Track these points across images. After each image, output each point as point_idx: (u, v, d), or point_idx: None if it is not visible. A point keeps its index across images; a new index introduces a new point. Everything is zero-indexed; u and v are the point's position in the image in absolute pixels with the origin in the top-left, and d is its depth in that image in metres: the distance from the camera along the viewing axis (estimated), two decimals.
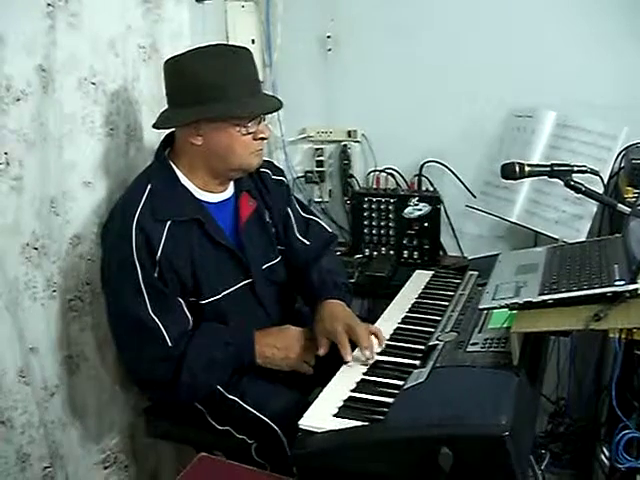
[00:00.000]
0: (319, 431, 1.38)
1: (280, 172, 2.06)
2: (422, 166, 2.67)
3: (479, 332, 1.60)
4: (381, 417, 1.37)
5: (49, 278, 1.74)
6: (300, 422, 1.40)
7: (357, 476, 1.35)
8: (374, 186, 2.75)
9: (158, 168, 1.79)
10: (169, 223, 1.70)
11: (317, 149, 2.85)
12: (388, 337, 1.76)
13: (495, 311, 1.60)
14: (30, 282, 1.69)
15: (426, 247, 2.61)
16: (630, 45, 2.30)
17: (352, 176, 2.80)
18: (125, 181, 1.91)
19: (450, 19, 2.50)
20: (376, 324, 1.81)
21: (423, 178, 2.67)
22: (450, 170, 2.63)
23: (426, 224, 2.58)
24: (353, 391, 1.52)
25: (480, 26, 2.46)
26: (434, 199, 2.57)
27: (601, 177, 2.09)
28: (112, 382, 1.99)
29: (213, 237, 1.76)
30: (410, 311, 1.91)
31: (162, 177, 1.76)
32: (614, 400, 1.63)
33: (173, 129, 1.80)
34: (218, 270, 1.78)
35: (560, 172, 1.96)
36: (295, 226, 2.04)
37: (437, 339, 1.64)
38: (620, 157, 2.25)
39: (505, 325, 1.53)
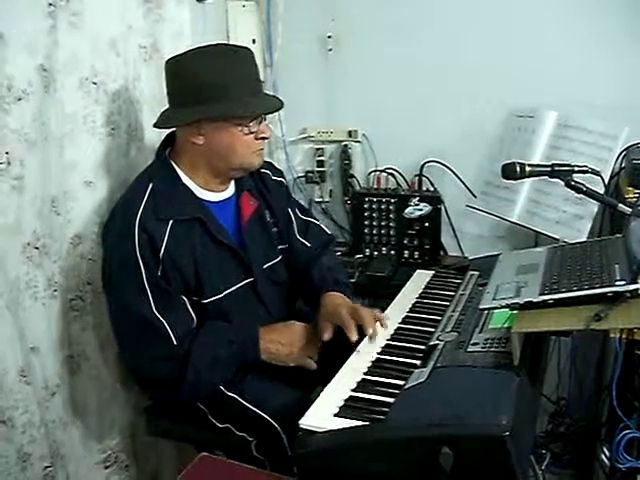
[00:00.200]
0: (320, 431, 1.37)
1: (280, 173, 2.07)
2: (423, 166, 2.67)
3: (480, 332, 1.60)
4: (382, 417, 1.37)
5: (50, 278, 1.74)
6: (301, 421, 1.40)
7: (358, 476, 1.35)
8: (375, 186, 2.75)
9: (159, 167, 1.79)
10: (171, 222, 1.70)
11: (318, 149, 2.85)
12: (389, 337, 1.77)
13: (496, 311, 1.60)
14: (31, 281, 1.69)
15: (427, 247, 2.61)
16: (630, 45, 2.30)
17: (353, 176, 2.81)
18: (126, 181, 1.91)
19: (451, 19, 2.51)
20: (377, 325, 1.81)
21: (424, 178, 2.68)
22: (451, 170, 2.63)
23: (427, 224, 2.58)
24: (354, 391, 1.51)
25: (480, 26, 2.46)
26: (435, 199, 2.57)
27: (602, 177, 2.09)
28: (113, 381, 1.99)
29: (215, 236, 1.77)
30: (411, 311, 1.91)
31: (163, 176, 1.77)
32: (615, 400, 1.63)
33: (174, 129, 1.80)
34: (220, 269, 1.79)
35: (561, 172, 1.96)
36: (296, 227, 2.06)
37: (438, 339, 1.64)
38: (621, 157, 2.25)
39: (506, 325, 1.53)
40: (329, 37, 2.71)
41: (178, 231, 1.71)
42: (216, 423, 1.77)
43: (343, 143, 2.80)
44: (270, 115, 1.88)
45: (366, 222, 2.66)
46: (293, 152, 2.90)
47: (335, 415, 1.42)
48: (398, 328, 1.81)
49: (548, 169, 1.98)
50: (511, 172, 1.99)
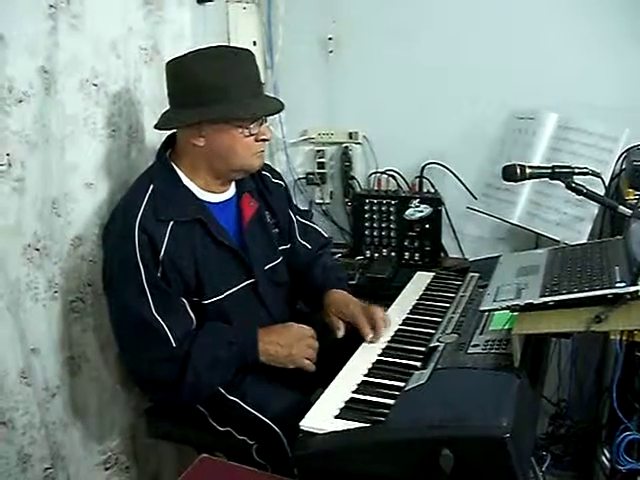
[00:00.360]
0: (320, 432, 1.37)
1: (279, 176, 2.09)
2: (423, 168, 2.67)
3: (480, 334, 1.60)
4: (382, 418, 1.37)
5: (50, 279, 1.74)
6: (301, 423, 1.40)
7: (358, 477, 1.35)
8: (375, 188, 2.75)
9: (160, 169, 1.80)
10: (172, 223, 1.71)
11: (318, 151, 2.85)
12: (389, 338, 1.77)
13: (496, 313, 1.60)
14: (32, 283, 1.69)
15: (427, 249, 2.61)
16: (631, 47, 2.30)
17: (353, 178, 2.81)
18: (127, 182, 1.92)
19: (451, 21, 2.51)
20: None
21: (424, 180, 2.68)
22: (451, 172, 2.63)
23: (427, 226, 2.58)
24: (354, 392, 1.52)
25: (481, 28, 2.46)
26: (435, 201, 2.57)
27: (602, 179, 2.09)
28: (113, 383, 1.99)
29: (216, 237, 1.77)
30: (411, 312, 1.91)
31: (164, 178, 1.77)
32: (615, 402, 1.63)
33: (175, 130, 1.81)
34: (221, 270, 1.79)
35: (561, 174, 1.96)
36: (297, 229, 2.08)
37: (438, 341, 1.64)
38: (621, 159, 2.25)
39: (506, 327, 1.53)
40: (330, 39, 2.71)
41: (178, 232, 1.71)
42: (217, 426, 1.77)
43: (344, 145, 2.80)
44: (271, 117, 1.89)
45: (367, 224, 2.66)
46: (294, 154, 2.90)
47: (336, 417, 1.42)
48: (398, 330, 1.82)
49: (549, 171, 1.98)
50: (511, 174, 1.99)
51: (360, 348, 1.73)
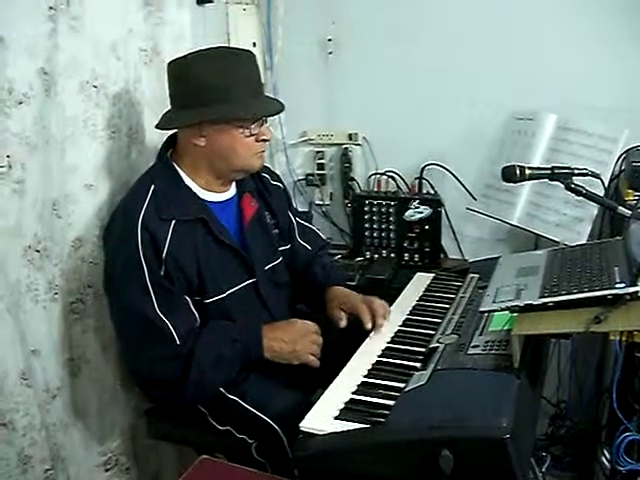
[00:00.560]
0: (320, 433, 1.38)
1: (278, 178, 2.11)
2: (423, 169, 2.67)
3: (480, 335, 1.60)
4: (382, 419, 1.37)
5: (51, 281, 1.74)
6: (301, 424, 1.40)
7: (358, 478, 1.35)
8: (375, 189, 2.75)
9: (161, 169, 1.81)
10: (174, 222, 1.71)
11: (318, 152, 2.85)
12: (389, 339, 1.77)
13: (496, 314, 1.60)
14: (32, 284, 1.69)
15: (427, 250, 2.61)
16: (631, 47, 2.30)
17: (353, 179, 2.81)
18: (127, 183, 1.92)
19: (450, 22, 2.51)
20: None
21: (424, 181, 2.68)
22: (451, 173, 2.63)
23: (427, 227, 2.59)
24: (354, 393, 1.52)
25: (480, 29, 2.46)
26: (435, 202, 2.58)
27: (602, 180, 2.10)
28: (113, 384, 1.99)
29: (217, 236, 1.78)
30: (411, 313, 1.92)
31: (165, 177, 1.78)
32: (615, 403, 1.63)
33: (175, 130, 1.81)
34: (222, 269, 1.79)
35: (561, 175, 1.96)
36: (296, 230, 2.10)
37: (438, 342, 1.64)
38: (621, 160, 2.25)
39: (506, 328, 1.53)
40: (329, 40, 2.71)
41: (180, 231, 1.72)
42: (216, 425, 1.77)
43: (343, 146, 2.80)
44: (270, 118, 1.89)
45: (366, 225, 2.67)
46: (293, 155, 2.90)
47: (336, 418, 1.42)
48: (398, 331, 1.82)
49: (548, 172, 1.98)
50: (511, 175, 1.99)
51: (360, 349, 1.73)
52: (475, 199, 2.54)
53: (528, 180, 2.03)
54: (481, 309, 1.58)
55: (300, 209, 2.82)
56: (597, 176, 2.02)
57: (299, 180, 2.91)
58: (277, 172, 2.18)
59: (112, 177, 1.92)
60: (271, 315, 1.90)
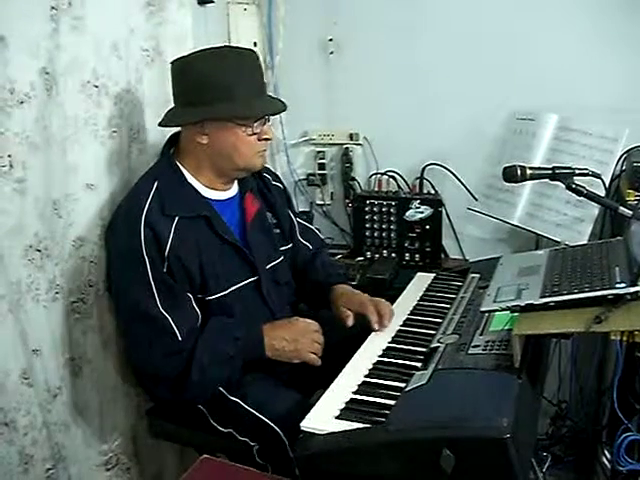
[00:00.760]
0: (321, 433, 1.38)
1: (278, 178, 2.12)
2: (424, 169, 2.67)
3: (480, 334, 1.60)
4: (383, 419, 1.37)
5: (52, 280, 1.74)
6: (302, 424, 1.41)
7: (359, 477, 1.35)
8: (376, 189, 2.75)
9: (164, 167, 1.82)
10: (177, 219, 1.72)
11: (319, 152, 2.86)
12: (390, 339, 1.77)
13: (497, 313, 1.60)
14: (33, 284, 1.69)
15: (428, 250, 2.61)
16: (632, 47, 2.30)
17: (354, 179, 2.81)
18: (128, 183, 1.92)
19: (452, 22, 2.51)
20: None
21: (425, 181, 2.68)
22: (452, 173, 2.63)
23: (428, 227, 2.59)
24: (355, 393, 1.52)
25: (481, 29, 2.46)
26: (436, 202, 2.58)
27: (603, 180, 2.10)
28: (114, 383, 1.99)
29: (220, 234, 1.79)
30: (412, 313, 1.92)
31: (168, 175, 1.79)
32: (615, 403, 1.63)
33: (178, 129, 1.82)
34: (224, 267, 1.80)
35: (562, 175, 1.96)
36: (297, 228, 2.11)
37: (439, 341, 1.64)
38: (622, 160, 2.25)
39: (506, 327, 1.54)
40: (330, 40, 2.72)
41: (183, 228, 1.72)
42: (218, 427, 1.77)
43: (344, 146, 2.80)
44: (272, 118, 1.90)
45: (367, 225, 2.67)
46: (294, 155, 2.91)
47: (336, 417, 1.42)
48: (399, 330, 1.82)
49: (549, 172, 1.98)
50: (512, 175, 1.99)
51: (361, 349, 1.73)
52: (476, 199, 2.54)
53: (529, 180, 2.03)
54: (482, 309, 1.58)
55: (301, 209, 2.84)
56: (598, 176, 2.02)
57: (300, 180, 2.91)
58: (277, 172, 2.19)
59: (113, 177, 1.92)
60: (272, 314, 1.90)
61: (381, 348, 1.73)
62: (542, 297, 1.48)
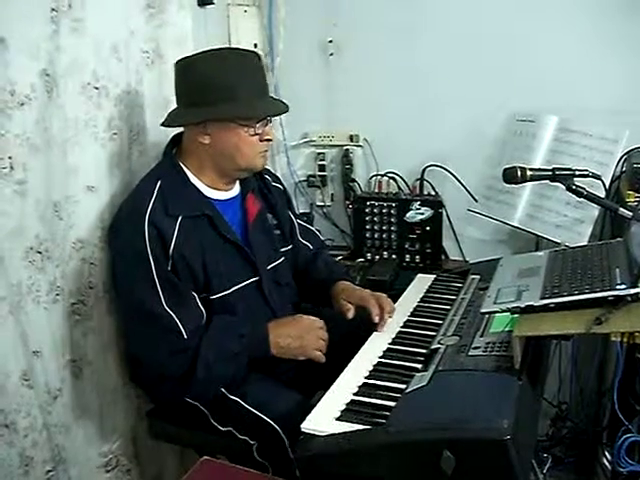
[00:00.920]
0: (321, 434, 1.38)
1: (278, 180, 2.14)
2: (424, 170, 2.67)
3: (481, 336, 1.60)
4: (383, 421, 1.37)
5: (52, 282, 1.74)
6: (302, 425, 1.40)
7: (359, 479, 1.35)
8: (376, 190, 2.76)
9: (167, 167, 1.83)
10: (180, 218, 1.73)
11: (319, 153, 2.86)
12: (390, 341, 1.77)
13: (497, 315, 1.60)
14: (33, 286, 1.69)
15: (428, 251, 2.61)
16: (632, 49, 2.30)
17: (354, 180, 2.81)
18: (129, 185, 1.92)
19: (451, 24, 2.51)
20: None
21: (425, 182, 2.68)
22: (452, 174, 2.63)
23: (428, 228, 2.59)
24: (355, 394, 1.52)
25: (481, 31, 2.47)
26: (436, 203, 2.58)
27: (603, 181, 2.10)
28: (115, 385, 1.99)
29: (222, 233, 1.79)
30: (412, 315, 1.92)
31: (171, 175, 1.80)
32: (616, 404, 1.63)
33: (180, 129, 1.84)
34: (227, 266, 1.81)
35: (562, 176, 1.96)
36: (297, 229, 2.12)
37: (439, 343, 1.64)
38: (622, 161, 2.26)
39: (507, 329, 1.53)
40: (330, 41, 2.72)
41: (187, 227, 1.73)
42: (218, 426, 1.77)
43: (344, 147, 2.81)
44: (272, 119, 1.90)
45: (367, 226, 2.67)
46: (294, 156, 2.91)
47: (337, 419, 1.42)
48: (399, 332, 1.82)
49: (549, 173, 1.98)
50: (512, 176, 1.99)
51: (361, 350, 1.73)
52: (476, 200, 2.54)
53: (529, 181, 2.03)
54: (482, 310, 1.58)
55: (301, 210, 2.84)
56: (598, 177, 2.02)
57: (300, 181, 2.92)
58: (277, 174, 2.20)
59: (113, 178, 1.92)
60: (274, 314, 1.90)
61: (381, 349, 1.73)
62: (542, 298, 1.48)
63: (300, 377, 1.89)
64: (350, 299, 1.93)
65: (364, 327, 1.86)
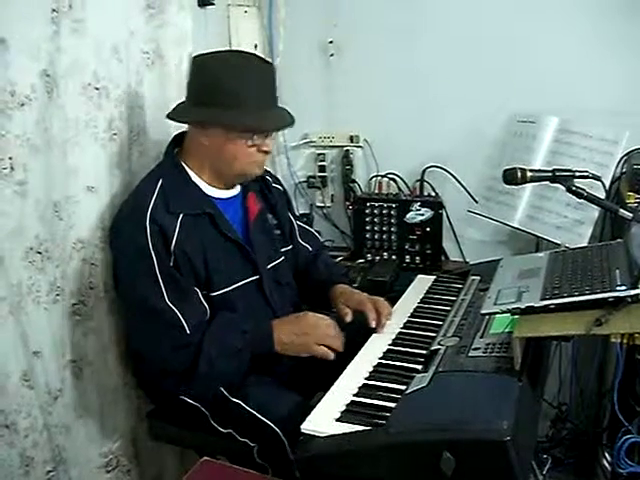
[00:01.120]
0: (321, 435, 1.38)
1: (278, 181, 2.14)
2: (424, 171, 2.67)
3: (481, 337, 1.60)
4: (383, 422, 1.37)
5: (52, 282, 1.75)
6: (302, 426, 1.41)
7: None
8: (376, 191, 2.76)
9: (168, 165, 1.83)
10: (181, 216, 1.73)
11: (319, 154, 2.86)
12: (390, 342, 1.77)
13: (497, 316, 1.60)
14: (34, 286, 1.69)
15: (428, 252, 2.61)
16: (632, 50, 2.31)
17: (354, 181, 2.82)
18: (129, 185, 1.92)
19: (452, 25, 2.51)
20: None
21: (425, 183, 2.68)
22: (452, 175, 2.63)
23: (428, 229, 2.59)
24: (355, 396, 1.52)
25: (481, 32, 2.47)
26: (436, 204, 2.58)
27: (603, 182, 2.10)
28: (115, 386, 1.99)
29: (223, 231, 1.80)
30: (412, 316, 1.92)
31: (172, 174, 1.80)
32: (616, 405, 1.63)
33: (183, 129, 1.85)
34: (228, 264, 1.81)
35: (562, 177, 1.95)
36: (297, 230, 2.13)
37: (439, 344, 1.64)
38: (622, 162, 2.26)
39: (507, 330, 1.53)
40: (330, 42, 2.72)
41: (188, 225, 1.74)
42: (218, 428, 1.77)
43: (344, 148, 2.81)
44: None
45: (368, 227, 2.67)
46: (295, 157, 2.91)
47: (337, 420, 1.42)
48: (399, 333, 1.82)
49: (549, 174, 1.97)
50: (512, 177, 1.99)
51: (361, 351, 1.73)
52: (476, 201, 2.54)
53: (529, 182, 2.03)
54: (482, 311, 1.58)
55: (301, 211, 2.85)
56: (598, 178, 2.02)
57: (300, 182, 2.92)
58: (277, 175, 2.20)
59: (113, 179, 1.92)
60: (274, 313, 1.90)
61: (381, 350, 1.73)
62: (542, 300, 1.48)
63: (301, 379, 1.89)
64: (348, 303, 1.93)
65: (361, 326, 1.85)
